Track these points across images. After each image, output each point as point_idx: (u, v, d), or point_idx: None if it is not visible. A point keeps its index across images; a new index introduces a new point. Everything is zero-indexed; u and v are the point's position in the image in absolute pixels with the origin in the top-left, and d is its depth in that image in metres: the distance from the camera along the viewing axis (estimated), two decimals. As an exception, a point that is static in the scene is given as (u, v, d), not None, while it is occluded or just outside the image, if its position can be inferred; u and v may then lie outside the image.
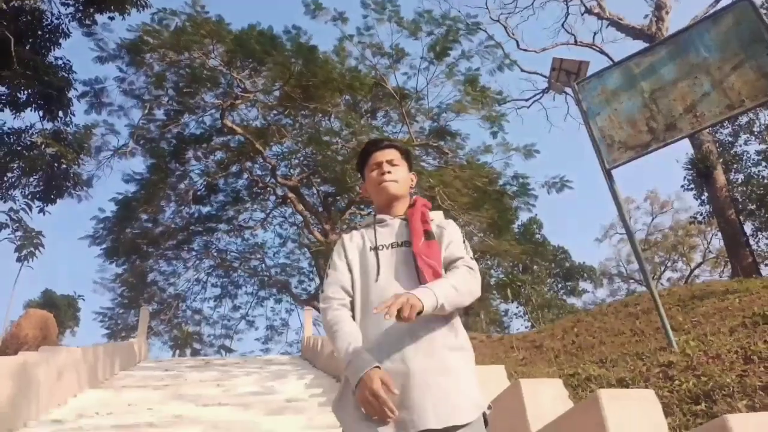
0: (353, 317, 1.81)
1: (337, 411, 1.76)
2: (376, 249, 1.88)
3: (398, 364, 1.66)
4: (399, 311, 1.54)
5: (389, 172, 1.97)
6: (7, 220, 9.70)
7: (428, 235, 1.87)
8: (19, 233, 9.62)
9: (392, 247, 1.89)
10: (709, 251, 29.68)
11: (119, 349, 10.29)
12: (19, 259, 9.43)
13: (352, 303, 1.85)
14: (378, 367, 1.62)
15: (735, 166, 21.24)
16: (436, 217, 2.09)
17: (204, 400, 6.66)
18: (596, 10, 19.97)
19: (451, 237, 1.91)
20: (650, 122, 5.42)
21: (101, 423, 5.56)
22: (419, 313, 1.59)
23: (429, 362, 1.66)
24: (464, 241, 1.93)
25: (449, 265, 1.84)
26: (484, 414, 1.67)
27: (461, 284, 1.75)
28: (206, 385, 7.96)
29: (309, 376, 8.80)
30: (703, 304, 7.59)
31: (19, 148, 11.27)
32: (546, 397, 2.75)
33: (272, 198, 22.66)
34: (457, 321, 1.82)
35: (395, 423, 1.59)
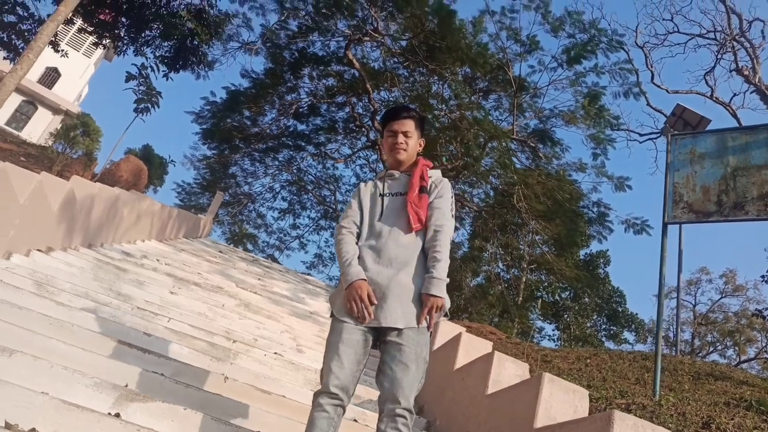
0: (357, 243, 2.50)
1: (331, 298, 2.49)
2: (382, 195, 2.55)
3: (382, 279, 2.33)
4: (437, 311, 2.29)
5: (402, 143, 2.59)
6: (136, 72, 10.79)
7: (422, 189, 2.51)
8: (142, 88, 10.71)
9: (394, 196, 2.55)
10: (765, 351, 28.34)
11: (188, 219, 11.46)
12: (135, 110, 10.55)
13: (359, 234, 2.53)
14: (365, 280, 2.30)
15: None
16: (434, 174, 2.67)
17: (243, 285, 7.55)
18: (746, 72, 19.08)
19: (442, 193, 2.55)
20: (722, 195, 5.62)
21: (159, 267, 6.52)
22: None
23: (403, 280, 2.31)
24: (451, 199, 2.56)
25: (433, 211, 2.47)
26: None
27: (447, 251, 2.40)
28: (249, 275, 8.89)
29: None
30: (715, 384, 7.74)
31: (164, 12, 12.30)
32: (509, 371, 3.30)
33: (363, 139, 23.39)
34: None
35: (368, 317, 2.28)
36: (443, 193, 2.55)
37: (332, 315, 2.42)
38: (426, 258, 2.40)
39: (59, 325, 3.09)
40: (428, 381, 4.43)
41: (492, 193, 22.04)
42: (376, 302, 2.28)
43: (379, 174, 2.70)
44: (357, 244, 2.49)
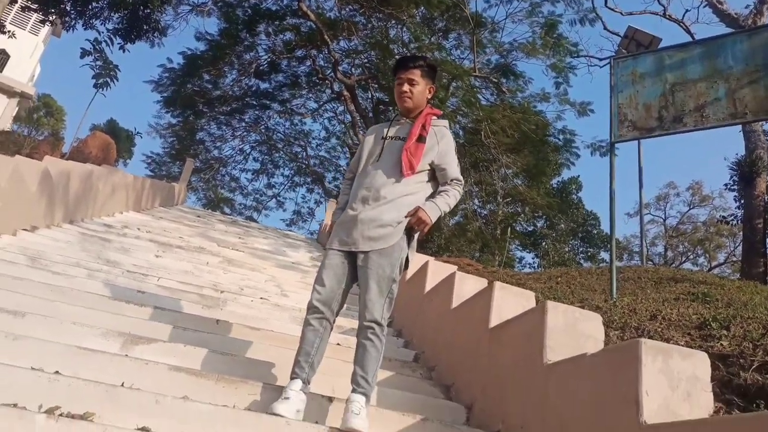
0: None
1: (321, 236, 2.90)
2: (384, 139, 2.83)
3: (361, 213, 2.66)
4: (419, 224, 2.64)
5: (406, 91, 2.81)
6: (90, 48, 10.69)
7: (420, 138, 2.76)
8: (99, 63, 10.64)
9: (394, 140, 2.81)
10: (734, 255, 29.68)
11: (162, 188, 11.62)
12: (95, 86, 10.51)
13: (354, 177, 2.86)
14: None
15: (786, 180, 20.98)
16: (439, 124, 2.88)
17: (224, 244, 7.86)
18: (697, -15, 19.26)
19: (447, 150, 2.81)
20: (662, 111, 6.00)
21: (141, 235, 6.79)
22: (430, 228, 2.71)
23: (373, 213, 2.64)
24: (455, 153, 2.84)
25: (438, 169, 2.77)
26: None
27: (452, 200, 2.75)
28: (229, 235, 9.20)
29: (316, 252, 9.99)
30: (675, 286, 8.35)
31: (109, -17, 12.02)
32: (470, 287, 3.71)
33: (328, 92, 23.31)
34: (417, 200, 2.72)
35: (341, 244, 2.67)
36: (447, 148, 2.79)
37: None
38: (411, 199, 2.69)
39: (60, 291, 3.40)
40: (404, 307, 4.88)
41: (461, 133, 22.28)
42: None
43: (391, 117, 2.98)
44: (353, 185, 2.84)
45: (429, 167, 2.77)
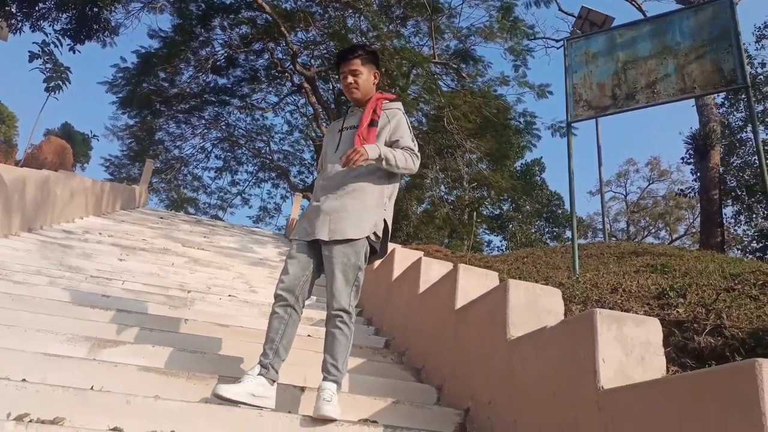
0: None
1: (288, 231, 2.89)
2: (341, 131, 2.88)
3: (324, 205, 2.69)
4: (352, 159, 2.56)
5: (351, 83, 2.85)
6: (39, 51, 10.39)
7: (372, 123, 2.80)
8: (49, 65, 10.35)
9: (350, 130, 2.85)
10: (693, 226, 30.62)
11: (123, 191, 11.40)
12: (46, 90, 10.23)
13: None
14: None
15: (737, 151, 21.73)
16: (392, 107, 2.90)
17: (189, 244, 7.78)
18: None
19: (398, 125, 2.83)
20: (615, 89, 6.16)
21: (103, 240, 6.67)
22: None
23: (335, 203, 2.67)
24: (409, 130, 2.85)
25: (392, 143, 2.78)
26: (370, 240, 2.66)
27: (400, 156, 2.72)
28: (194, 235, 9.10)
29: (284, 247, 9.96)
30: (636, 259, 8.61)
31: (56, -17, 11.67)
32: (436, 271, 3.78)
33: (288, 85, 23.11)
34: (380, 190, 2.74)
35: (305, 234, 2.70)
36: (400, 126, 2.81)
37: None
38: (373, 188, 2.71)
39: (21, 300, 3.34)
40: (373, 295, 4.92)
41: (424, 120, 22.36)
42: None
43: (348, 110, 3.01)
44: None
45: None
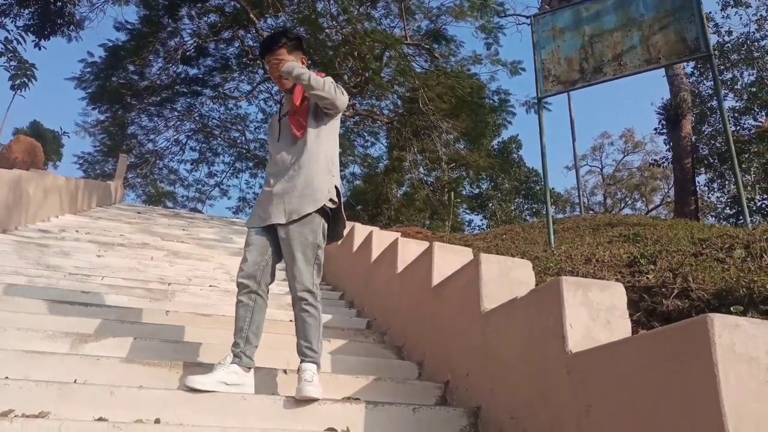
0: None
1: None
2: (280, 118, 2.90)
3: (275, 189, 2.71)
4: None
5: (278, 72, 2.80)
6: (2, 48, 10.18)
7: (303, 99, 2.81)
8: (13, 63, 10.15)
9: (287, 116, 2.86)
10: (668, 196, 31.14)
11: (97, 187, 11.28)
12: (12, 88, 10.04)
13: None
14: None
15: (708, 119, 22.08)
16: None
17: (168, 238, 7.75)
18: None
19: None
20: (583, 63, 6.24)
21: (80, 237, 6.62)
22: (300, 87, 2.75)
23: (286, 185, 2.68)
24: (332, 82, 2.76)
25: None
26: (326, 208, 2.68)
27: (327, 83, 2.69)
28: (173, 228, 9.05)
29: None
30: (611, 230, 8.77)
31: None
32: (412, 251, 3.84)
33: (260, 72, 22.86)
34: (324, 153, 2.76)
35: (260, 220, 2.72)
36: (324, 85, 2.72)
37: None
38: (317, 152, 2.72)
39: (-1, 300, 3.34)
40: (353, 277, 4.98)
41: (399, 102, 22.31)
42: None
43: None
44: None
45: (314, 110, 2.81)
